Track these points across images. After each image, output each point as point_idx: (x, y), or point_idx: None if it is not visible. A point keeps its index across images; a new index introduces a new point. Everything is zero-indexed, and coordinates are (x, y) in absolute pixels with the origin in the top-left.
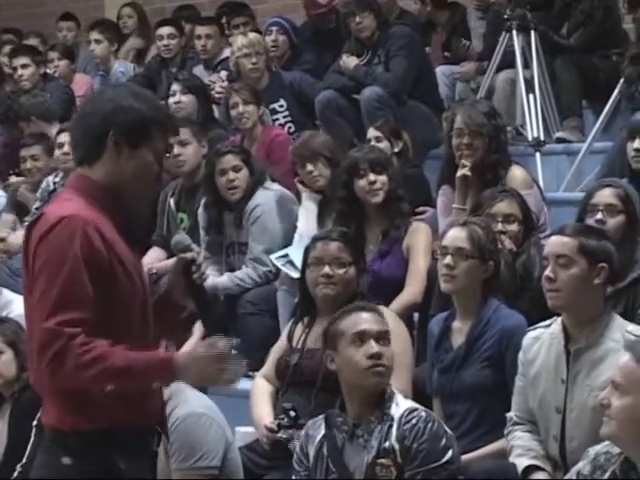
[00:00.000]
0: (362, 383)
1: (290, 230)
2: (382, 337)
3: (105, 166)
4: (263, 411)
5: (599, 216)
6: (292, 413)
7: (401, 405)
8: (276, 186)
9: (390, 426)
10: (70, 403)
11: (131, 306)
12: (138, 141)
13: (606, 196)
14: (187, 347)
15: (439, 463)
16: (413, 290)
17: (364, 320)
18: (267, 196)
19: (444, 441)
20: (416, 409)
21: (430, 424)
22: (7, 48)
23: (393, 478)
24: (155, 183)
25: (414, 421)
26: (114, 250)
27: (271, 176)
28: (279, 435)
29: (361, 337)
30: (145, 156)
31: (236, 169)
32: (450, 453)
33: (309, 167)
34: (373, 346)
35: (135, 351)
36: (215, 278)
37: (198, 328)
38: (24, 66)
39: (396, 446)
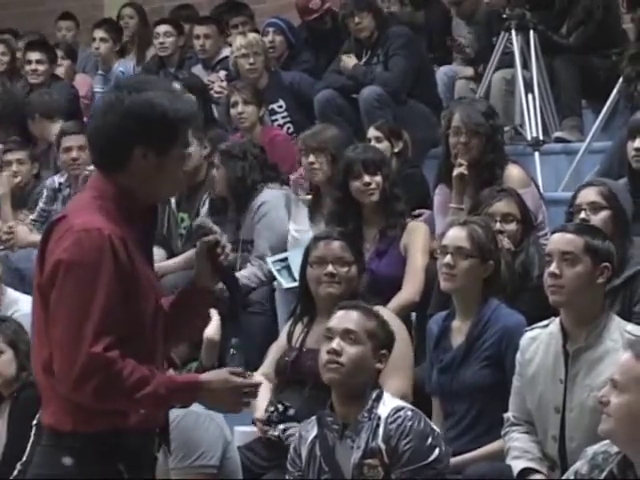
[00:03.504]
0: (323, 378)
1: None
2: (348, 335)
3: (131, 174)
4: (261, 405)
5: (582, 215)
6: (280, 407)
7: (388, 404)
8: (282, 188)
9: (377, 426)
10: (75, 404)
11: (144, 320)
12: (166, 148)
13: (588, 194)
14: (215, 374)
15: (426, 462)
16: (411, 289)
17: (335, 317)
18: (274, 194)
19: (430, 440)
20: (402, 408)
21: (416, 423)
22: (0, 46)
23: (380, 478)
24: (181, 179)
25: (399, 420)
26: (134, 264)
27: (282, 179)
28: (270, 433)
29: (329, 333)
30: (172, 160)
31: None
32: (437, 452)
33: (311, 158)
34: (333, 342)
35: (164, 374)
36: None
37: (214, 313)
38: (39, 62)
39: (382, 446)
